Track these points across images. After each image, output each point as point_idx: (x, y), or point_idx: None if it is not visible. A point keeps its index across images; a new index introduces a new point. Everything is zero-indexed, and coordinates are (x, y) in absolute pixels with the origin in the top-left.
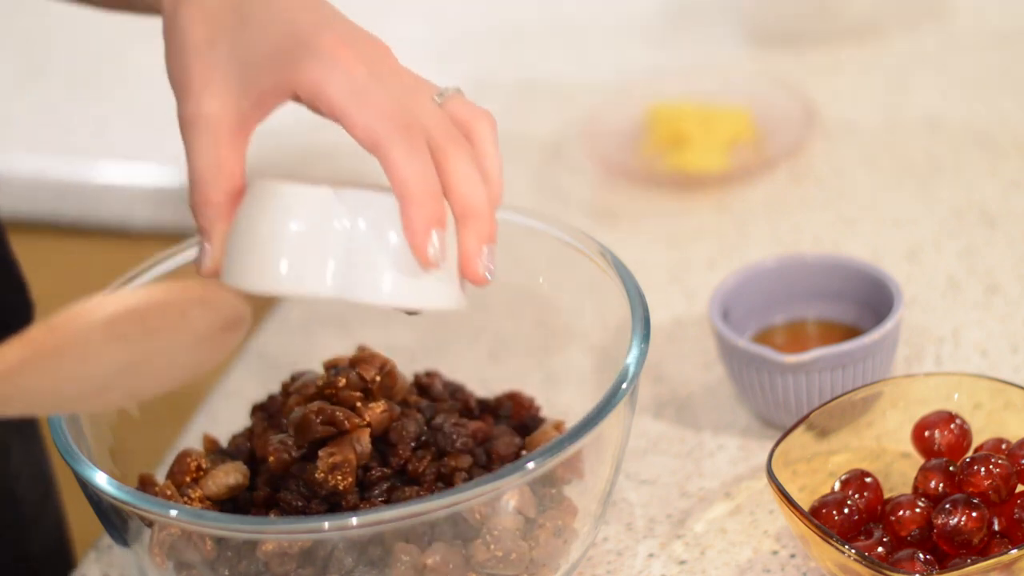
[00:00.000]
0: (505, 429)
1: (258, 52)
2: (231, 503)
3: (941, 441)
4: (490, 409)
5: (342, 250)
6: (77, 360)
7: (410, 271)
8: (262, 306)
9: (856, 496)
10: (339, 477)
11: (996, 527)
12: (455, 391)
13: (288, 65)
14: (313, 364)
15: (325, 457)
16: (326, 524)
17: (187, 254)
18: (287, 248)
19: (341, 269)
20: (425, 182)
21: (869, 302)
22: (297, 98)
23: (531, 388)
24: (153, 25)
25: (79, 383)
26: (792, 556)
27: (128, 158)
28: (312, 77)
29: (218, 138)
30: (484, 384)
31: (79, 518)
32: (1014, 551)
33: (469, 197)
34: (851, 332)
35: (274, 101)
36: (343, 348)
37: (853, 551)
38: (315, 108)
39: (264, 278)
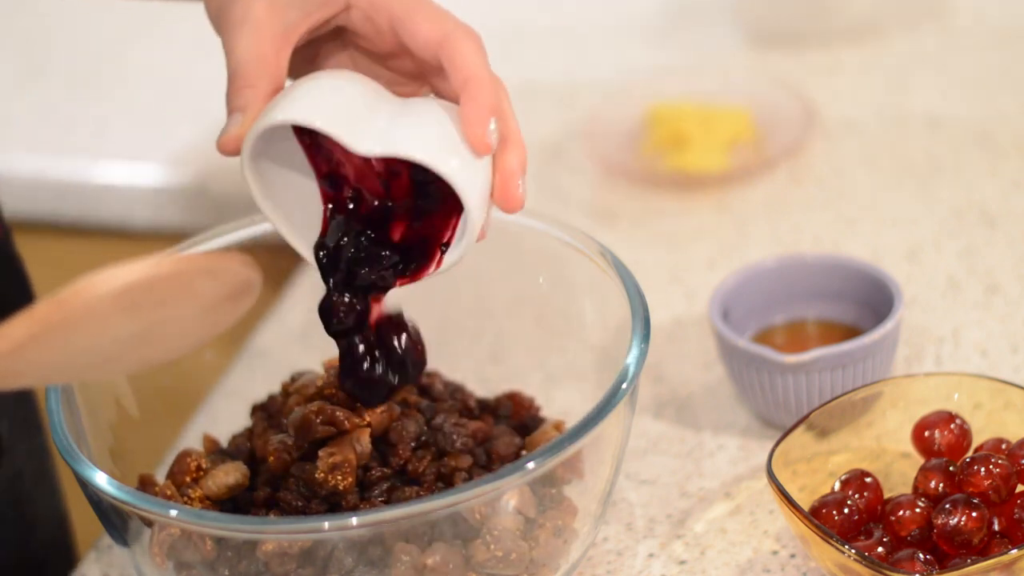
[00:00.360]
0: (505, 429)
1: None
2: (231, 503)
3: (941, 441)
4: (490, 409)
5: (390, 113)
6: (86, 333)
7: (456, 150)
8: (262, 306)
9: (856, 496)
10: (339, 477)
11: (996, 527)
12: (455, 391)
13: None
14: (313, 364)
15: (325, 457)
16: (326, 524)
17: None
18: (338, 97)
19: (387, 126)
20: (490, 73)
21: (869, 302)
22: (345, 10)
23: (531, 388)
24: (153, 25)
25: (88, 355)
26: (792, 556)
27: (128, 158)
28: None
29: (262, 36)
30: (484, 384)
31: (81, 516)
32: (1014, 551)
33: (512, 123)
34: (851, 332)
35: (322, 13)
36: None
37: (853, 551)
38: (368, 20)
39: (313, 113)
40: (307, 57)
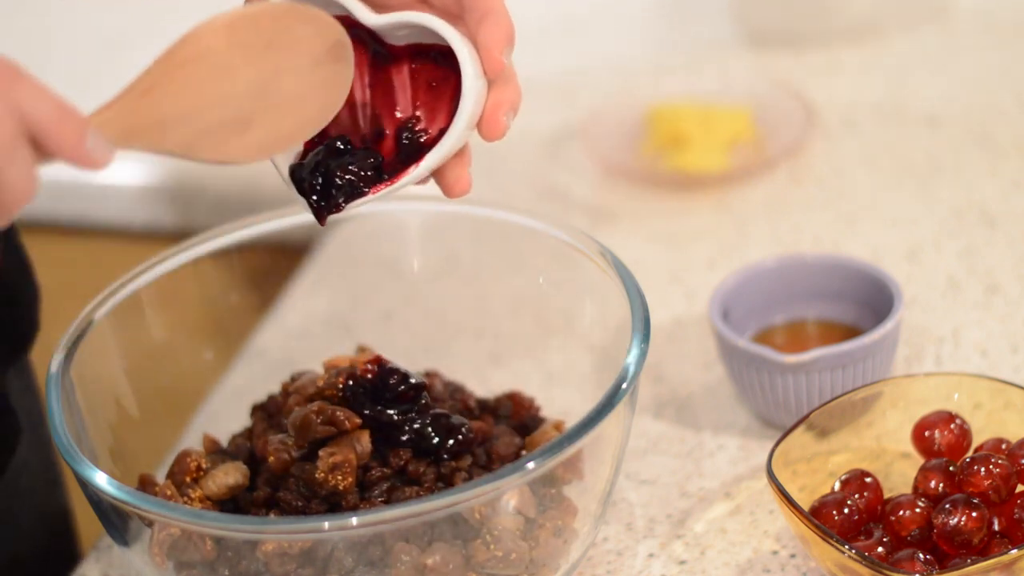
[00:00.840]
0: (505, 429)
1: None
2: (231, 503)
3: (941, 441)
4: (490, 409)
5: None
6: (210, 72)
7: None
8: (262, 305)
9: (856, 496)
10: (339, 477)
11: (996, 527)
12: (455, 391)
13: None
14: (313, 364)
15: (325, 457)
16: (326, 524)
17: (187, 254)
18: None
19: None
20: (506, 8)
21: (869, 302)
22: None
23: (531, 388)
24: (153, 25)
25: (219, 108)
26: (792, 556)
27: (128, 158)
28: None
29: None
30: (484, 384)
31: (84, 513)
32: (1014, 551)
33: (511, 65)
34: (851, 332)
35: None
36: (343, 348)
37: (853, 551)
38: None
39: None
40: None
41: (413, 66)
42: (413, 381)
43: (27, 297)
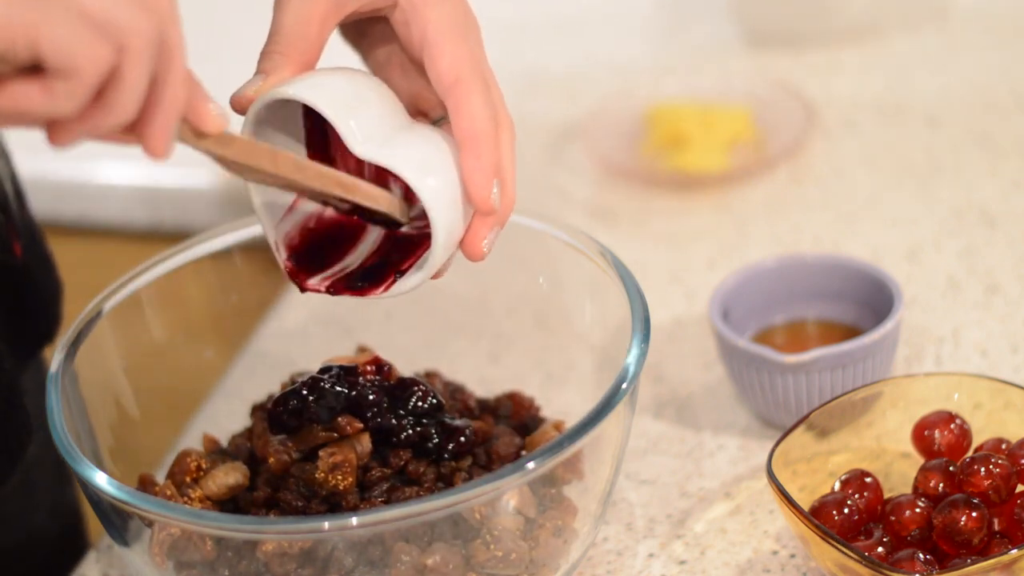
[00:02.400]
0: (505, 429)
1: None
2: (231, 503)
3: (941, 441)
4: (490, 409)
5: (396, 128)
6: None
7: (440, 178)
8: (262, 305)
9: (856, 496)
10: (339, 477)
11: (996, 527)
12: (455, 391)
13: None
14: (313, 364)
15: (325, 457)
16: (326, 524)
17: (187, 254)
18: (353, 95)
19: (389, 138)
20: (494, 131)
21: (869, 302)
22: (392, 6)
23: (531, 388)
24: None
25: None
26: (792, 556)
27: (128, 158)
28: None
29: (312, 6)
30: (484, 384)
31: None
32: (1014, 551)
33: (509, 180)
34: (851, 332)
35: (369, 5)
36: (343, 348)
37: (853, 551)
38: (406, 25)
39: (323, 98)
40: (357, 31)
41: None
42: (434, 400)
43: (50, 291)
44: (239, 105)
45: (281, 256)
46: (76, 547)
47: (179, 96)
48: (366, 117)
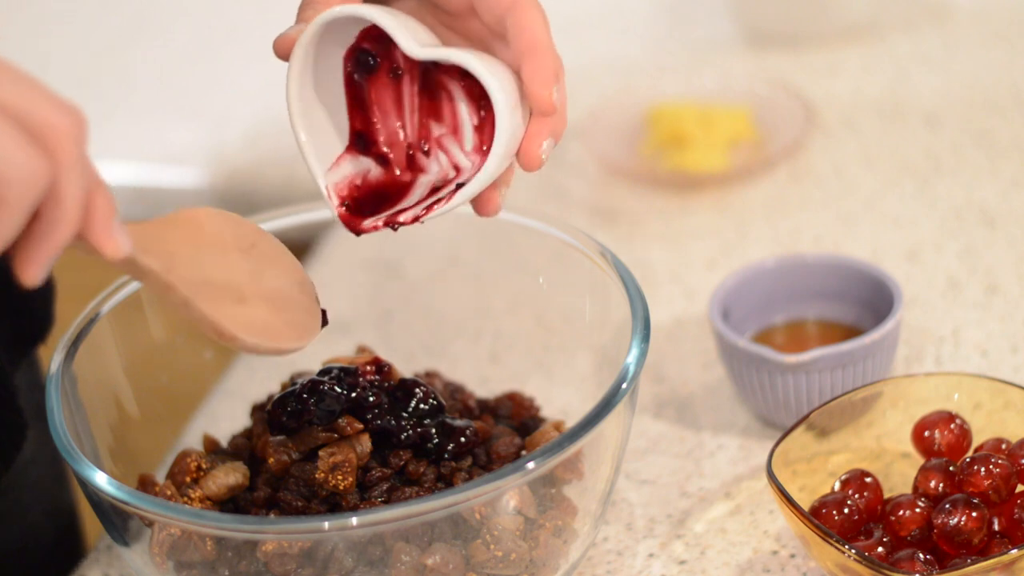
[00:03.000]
0: (505, 429)
1: None
2: (231, 503)
3: (941, 441)
4: (490, 409)
5: (444, 44)
6: (207, 238)
7: (509, 98)
8: None
9: (856, 496)
10: (339, 477)
11: (996, 527)
12: (455, 391)
13: None
14: (313, 364)
15: (326, 457)
16: (326, 524)
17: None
18: (401, 16)
19: (441, 48)
20: (552, 42)
21: (869, 302)
22: None
23: (531, 388)
24: (153, 25)
25: (219, 271)
26: (792, 556)
27: (128, 158)
28: None
29: None
30: (484, 384)
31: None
32: (1014, 551)
33: (564, 98)
34: (851, 332)
35: None
36: (343, 348)
37: (853, 551)
38: None
39: (379, 13)
40: None
41: (463, 83)
42: (435, 402)
43: (42, 291)
44: (282, 47)
45: (333, 203)
46: (73, 548)
47: (66, 222)
48: (417, 29)
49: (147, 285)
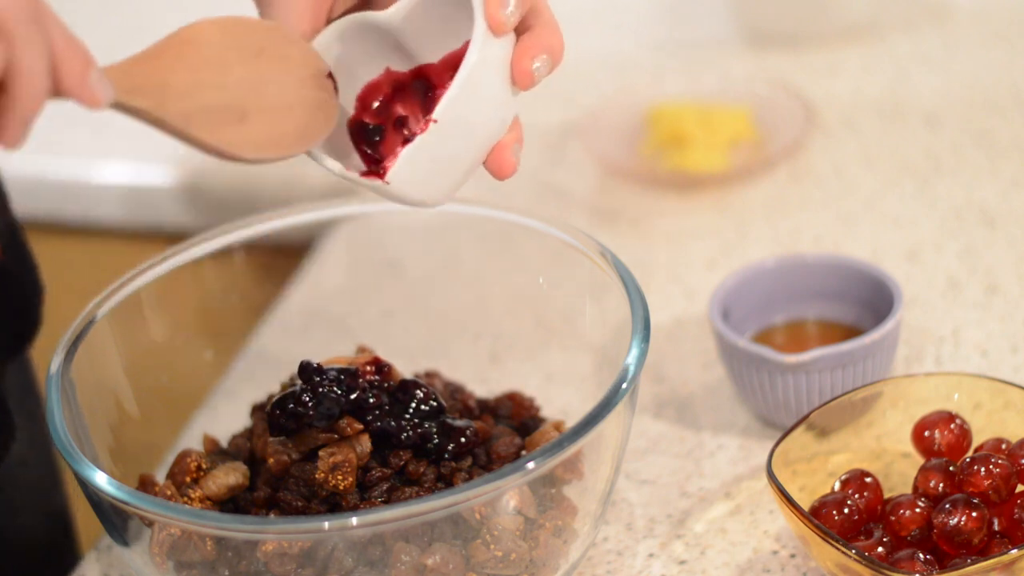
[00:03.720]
0: (505, 429)
1: None
2: (231, 503)
3: (941, 441)
4: (490, 409)
5: None
6: (205, 59)
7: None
8: (262, 305)
9: (856, 496)
10: (339, 477)
11: (996, 527)
12: (455, 391)
13: None
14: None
15: (326, 457)
16: (326, 524)
17: (187, 254)
18: None
19: None
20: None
21: (869, 302)
22: None
23: (531, 388)
24: (153, 25)
25: (216, 92)
26: (792, 556)
27: (128, 158)
28: None
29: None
30: (484, 384)
31: (85, 515)
32: (1014, 551)
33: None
34: (851, 332)
35: None
36: (343, 348)
37: (853, 551)
38: None
39: None
40: None
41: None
42: (435, 403)
43: (29, 292)
44: None
45: (355, 177)
46: (66, 551)
47: (32, 92)
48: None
49: (141, 122)
